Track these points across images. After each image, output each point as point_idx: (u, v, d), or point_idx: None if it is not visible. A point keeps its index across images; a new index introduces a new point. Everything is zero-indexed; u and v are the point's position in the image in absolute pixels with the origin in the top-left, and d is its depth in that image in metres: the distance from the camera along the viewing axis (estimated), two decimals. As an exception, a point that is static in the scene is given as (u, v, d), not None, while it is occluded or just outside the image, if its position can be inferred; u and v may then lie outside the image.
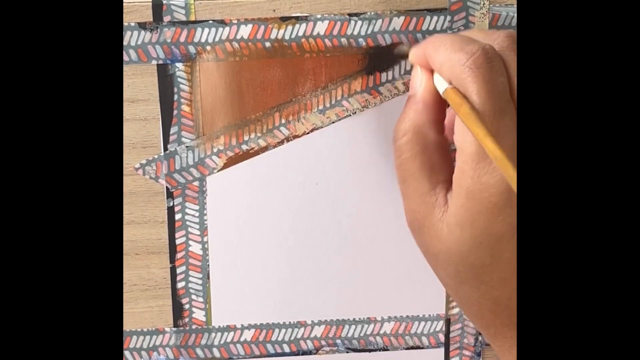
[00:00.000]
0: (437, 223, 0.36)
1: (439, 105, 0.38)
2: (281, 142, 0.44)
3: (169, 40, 0.43)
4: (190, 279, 0.46)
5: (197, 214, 0.45)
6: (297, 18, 0.43)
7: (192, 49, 0.43)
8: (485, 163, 0.35)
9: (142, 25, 0.42)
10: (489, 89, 0.35)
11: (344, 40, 0.43)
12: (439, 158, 0.37)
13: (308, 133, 0.44)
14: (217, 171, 0.44)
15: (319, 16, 0.43)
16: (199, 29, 0.43)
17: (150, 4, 0.42)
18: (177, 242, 0.45)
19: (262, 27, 0.43)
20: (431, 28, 0.43)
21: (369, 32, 0.43)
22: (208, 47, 0.43)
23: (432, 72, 0.38)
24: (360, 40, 0.43)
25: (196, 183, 0.44)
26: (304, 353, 0.47)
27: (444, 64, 0.36)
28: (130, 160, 0.44)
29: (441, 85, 0.37)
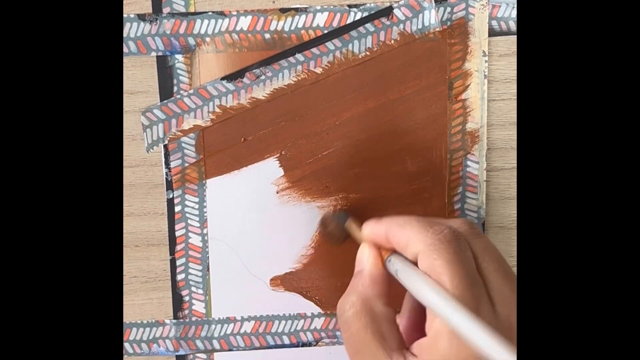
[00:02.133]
0: None
1: (386, 279, 0.39)
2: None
3: (168, 32, 0.43)
4: (190, 271, 0.46)
5: (196, 206, 0.45)
6: (296, 9, 0.43)
7: (191, 40, 0.43)
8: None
9: (141, 17, 0.42)
10: (460, 259, 0.36)
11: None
12: (388, 328, 0.38)
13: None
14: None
15: (318, 7, 0.43)
16: (199, 21, 0.42)
17: (150, -5, 0.42)
18: (177, 234, 0.45)
19: (262, 18, 0.43)
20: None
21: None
22: (207, 39, 0.43)
23: (379, 250, 0.40)
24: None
25: (195, 175, 0.44)
26: (304, 345, 0.47)
27: (411, 241, 0.37)
28: (130, 152, 0.44)
29: (393, 267, 0.38)
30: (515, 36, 0.44)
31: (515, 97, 0.45)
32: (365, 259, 0.40)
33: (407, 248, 0.37)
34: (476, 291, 0.36)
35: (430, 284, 0.35)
